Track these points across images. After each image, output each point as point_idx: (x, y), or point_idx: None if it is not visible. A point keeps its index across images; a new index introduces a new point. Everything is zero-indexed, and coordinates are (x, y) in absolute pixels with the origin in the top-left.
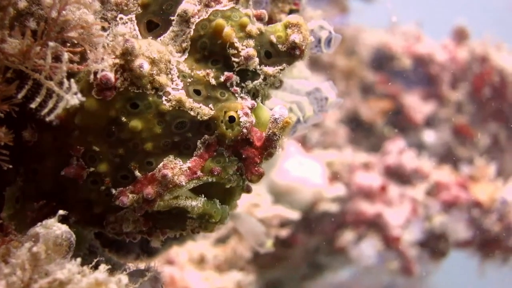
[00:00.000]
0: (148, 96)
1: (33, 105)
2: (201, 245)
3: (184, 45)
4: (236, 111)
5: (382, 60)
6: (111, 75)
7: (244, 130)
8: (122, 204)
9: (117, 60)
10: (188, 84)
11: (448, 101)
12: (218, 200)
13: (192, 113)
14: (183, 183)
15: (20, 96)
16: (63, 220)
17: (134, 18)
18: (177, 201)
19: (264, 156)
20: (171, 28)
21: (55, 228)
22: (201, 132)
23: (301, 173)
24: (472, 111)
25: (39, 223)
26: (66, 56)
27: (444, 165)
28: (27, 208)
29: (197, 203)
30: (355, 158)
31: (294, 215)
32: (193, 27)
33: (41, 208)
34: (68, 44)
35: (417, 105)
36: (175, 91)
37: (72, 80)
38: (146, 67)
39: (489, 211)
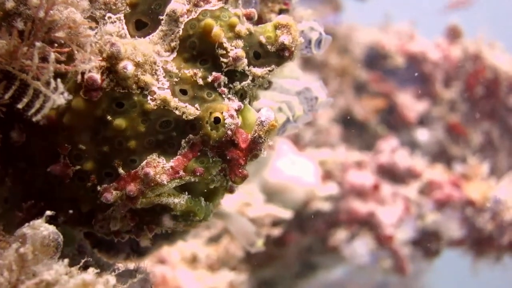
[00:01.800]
0: (133, 96)
1: (20, 106)
2: (193, 244)
3: (173, 44)
4: (222, 113)
5: (375, 59)
6: (97, 77)
7: (229, 132)
8: (106, 200)
9: (103, 63)
10: (174, 83)
11: (441, 100)
12: (202, 198)
13: (177, 112)
14: (165, 182)
15: (7, 96)
16: (52, 220)
17: (122, 17)
18: (160, 198)
19: (249, 158)
20: (160, 28)
21: (42, 228)
22: (186, 131)
23: (294, 172)
24: (465, 109)
25: (27, 224)
26: (53, 56)
27: (437, 163)
28: (15, 208)
29: (179, 200)
30: (348, 157)
31: (286, 214)
32: (182, 26)
33: (29, 209)
34: (56, 44)
35: (410, 104)
36: (161, 90)
37: (59, 80)
38: (130, 68)
39: (482, 209)
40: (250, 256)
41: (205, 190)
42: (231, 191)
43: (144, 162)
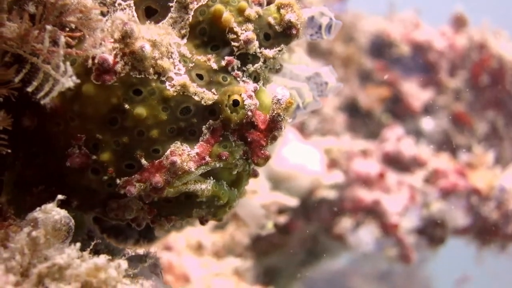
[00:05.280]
0: (151, 82)
1: (29, 89)
2: (199, 231)
3: (183, 31)
4: (240, 95)
5: (381, 47)
6: (109, 57)
7: (249, 113)
8: (130, 193)
9: (116, 44)
10: (190, 68)
11: (447, 89)
12: (225, 183)
13: (196, 98)
14: (193, 169)
15: (17, 79)
16: (64, 204)
17: (132, 4)
18: (187, 186)
19: (269, 139)
20: (169, 15)
21: (54, 213)
22: (205, 117)
23: (299, 160)
24: (470, 98)
25: (38, 208)
26: (63, 39)
27: (442, 152)
28: (26, 193)
29: (206, 186)
30: (353, 145)
31: (292, 202)
32: (192, 13)
33: (40, 193)
34: (67, 29)
35: (415, 92)
36: (178, 76)
37: (67, 63)
38: (148, 48)
39: (487, 198)
40: (256, 243)
41: (229, 180)
42: (254, 175)
43: (168, 151)
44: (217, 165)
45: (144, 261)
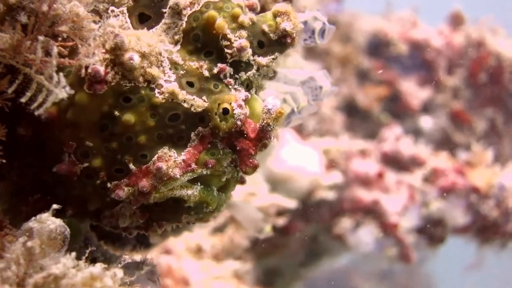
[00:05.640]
0: (140, 89)
1: (23, 100)
2: (198, 234)
3: (176, 37)
4: (230, 103)
5: (378, 46)
6: (101, 68)
7: (238, 122)
8: (118, 197)
9: (107, 55)
10: (180, 76)
11: (445, 87)
12: (215, 188)
13: (185, 105)
14: (178, 176)
15: (10, 90)
16: (59, 213)
17: (125, 11)
18: (173, 192)
19: (259, 148)
20: (163, 21)
21: (49, 222)
22: (195, 124)
23: (298, 161)
24: (468, 96)
25: (33, 218)
26: (55, 50)
27: (441, 151)
28: (21, 202)
29: (193, 192)
30: (352, 145)
31: (291, 203)
32: (185, 19)
33: (36, 202)
34: (60, 38)
35: (414, 91)
36: (168, 83)
37: (61, 74)
38: (136, 59)
39: (486, 196)
40: (255, 245)
41: (217, 184)
42: (242, 182)
43: (155, 157)
44: (204, 172)
45: (141, 269)
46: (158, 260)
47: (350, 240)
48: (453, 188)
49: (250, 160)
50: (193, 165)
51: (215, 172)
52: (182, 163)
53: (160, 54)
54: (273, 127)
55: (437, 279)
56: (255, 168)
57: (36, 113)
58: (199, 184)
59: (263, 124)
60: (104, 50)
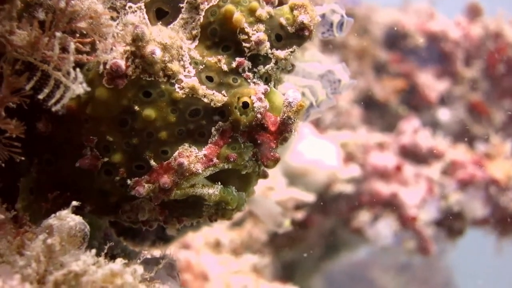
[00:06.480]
0: (160, 84)
1: (41, 96)
2: (217, 229)
3: (194, 32)
4: (250, 97)
5: (395, 39)
6: (122, 62)
7: (258, 116)
8: (138, 194)
9: (127, 47)
10: (200, 71)
11: (462, 79)
12: (234, 187)
13: (205, 100)
14: (200, 171)
15: (28, 87)
16: (78, 209)
17: (143, 7)
18: (194, 190)
19: (279, 141)
20: (180, 16)
21: (69, 219)
22: (215, 119)
23: (316, 154)
24: (486, 88)
25: (53, 215)
26: (72, 46)
27: (459, 143)
28: (41, 199)
29: (213, 191)
30: (370, 138)
31: (309, 197)
32: (203, 13)
33: (55, 199)
34: (77, 35)
35: (431, 83)
36: (188, 79)
37: (78, 69)
38: (158, 53)
39: (505, 188)
40: (274, 239)
41: (238, 179)
42: (264, 176)
43: (176, 153)
44: (225, 166)
45: (160, 264)
46: (177, 256)
47: (369, 233)
48: (472, 180)
49: (271, 153)
50: (215, 160)
51: (236, 166)
52: (204, 158)
53: (181, 47)
54: (294, 120)
55: (456, 272)
56: (276, 161)
57: (53, 109)
58: (220, 184)
59: (284, 117)
60: (124, 44)
